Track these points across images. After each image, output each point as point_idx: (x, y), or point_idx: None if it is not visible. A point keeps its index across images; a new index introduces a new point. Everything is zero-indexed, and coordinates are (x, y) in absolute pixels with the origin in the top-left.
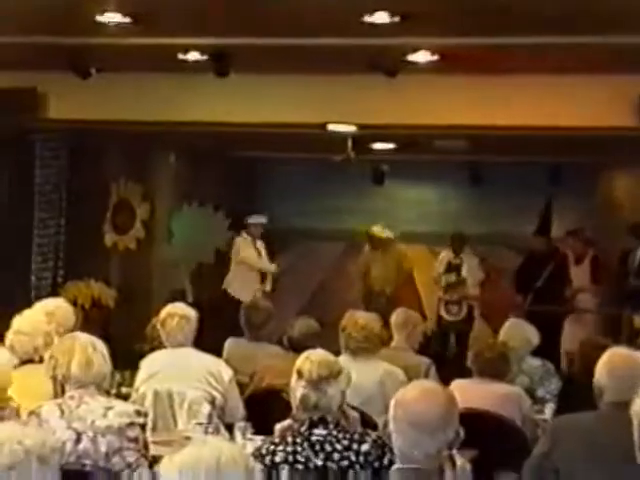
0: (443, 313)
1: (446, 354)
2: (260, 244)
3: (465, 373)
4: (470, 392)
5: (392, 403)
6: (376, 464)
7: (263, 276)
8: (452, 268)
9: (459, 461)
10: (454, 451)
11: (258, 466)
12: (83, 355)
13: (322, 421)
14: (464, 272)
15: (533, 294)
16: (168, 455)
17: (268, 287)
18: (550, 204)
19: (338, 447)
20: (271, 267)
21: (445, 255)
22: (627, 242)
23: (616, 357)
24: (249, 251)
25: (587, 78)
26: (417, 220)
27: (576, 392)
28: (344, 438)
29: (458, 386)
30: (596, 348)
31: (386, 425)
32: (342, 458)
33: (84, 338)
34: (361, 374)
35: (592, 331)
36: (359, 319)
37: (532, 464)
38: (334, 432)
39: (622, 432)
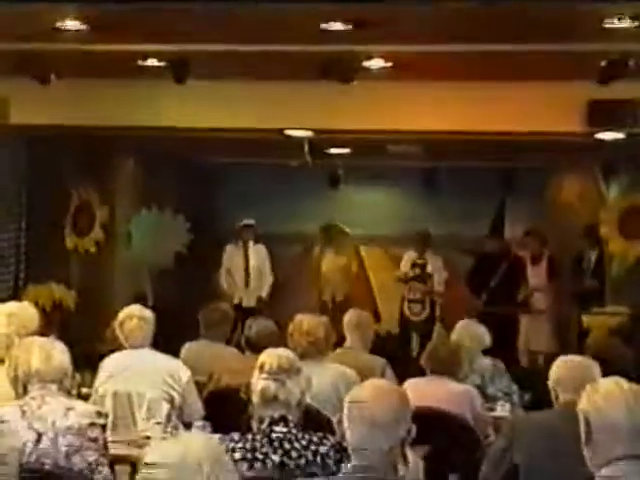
0: (406, 312)
1: (409, 354)
2: (255, 248)
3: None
4: (423, 390)
5: (346, 400)
6: (334, 468)
7: (247, 280)
8: (417, 266)
9: (411, 458)
10: (407, 448)
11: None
12: (43, 351)
13: (283, 420)
14: (429, 270)
15: (487, 295)
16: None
17: (264, 293)
18: (503, 206)
19: (297, 445)
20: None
21: (409, 256)
22: (578, 244)
23: (567, 363)
24: (232, 261)
25: (537, 85)
26: (372, 223)
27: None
28: (303, 438)
29: (412, 384)
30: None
31: (340, 422)
32: (300, 456)
33: (42, 338)
34: (313, 378)
35: (551, 331)
36: (304, 324)
37: (493, 457)
38: (294, 431)
39: (577, 427)
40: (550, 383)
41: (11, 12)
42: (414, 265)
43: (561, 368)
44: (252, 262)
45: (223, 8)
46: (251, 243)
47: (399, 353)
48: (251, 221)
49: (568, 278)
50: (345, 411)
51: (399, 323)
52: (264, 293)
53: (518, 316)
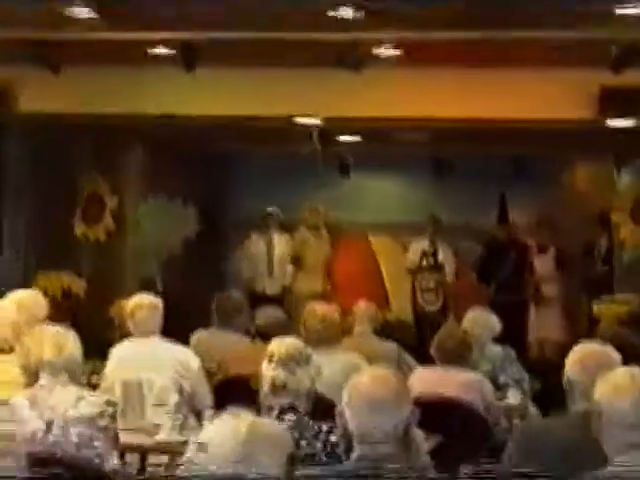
0: (420, 302)
1: (425, 345)
2: (279, 235)
3: None
4: (433, 379)
5: (346, 390)
6: (343, 457)
7: (271, 267)
8: (428, 255)
9: (418, 438)
10: (412, 431)
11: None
12: (55, 341)
13: (292, 408)
14: (440, 259)
15: (496, 283)
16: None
17: (287, 282)
18: (504, 194)
19: (306, 434)
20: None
21: (418, 244)
22: (588, 231)
23: (587, 352)
24: (256, 249)
25: (550, 72)
26: (383, 211)
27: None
28: (313, 427)
29: (421, 373)
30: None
31: (341, 415)
32: (309, 445)
33: (54, 327)
34: (324, 365)
35: (560, 319)
36: (318, 310)
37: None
38: (303, 420)
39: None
40: (565, 375)
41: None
42: (425, 254)
43: (578, 360)
44: (276, 250)
45: None
46: (275, 231)
47: (413, 343)
48: (274, 209)
49: (579, 266)
50: (345, 398)
51: (413, 313)
52: (287, 282)
53: (528, 305)
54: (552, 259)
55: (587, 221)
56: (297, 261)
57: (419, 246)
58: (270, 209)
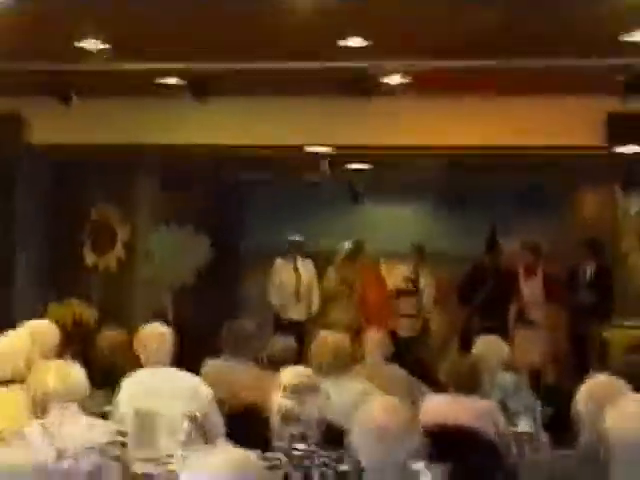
0: (397, 328)
1: None
2: (303, 262)
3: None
4: (444, 407)
5: (356, 419)
6: None
7: (298, 294)
8: (408, 280)
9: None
10: (423, 465)
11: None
12: (59, 371)
13: (302, 437)
14: (421, 285)
15: (472, 308)
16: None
17: (314, 308)
18: (494, 227)
19: (317, 463)
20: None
21: (401, 269)
22: (577, 256)
23: (596, 384)
24: (282, 276)
25: (557, 99)
26: (394, 240)
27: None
28: (323, 456)
29: (432, 401)
30: None
31: (351, 444)
32: (321, 474)
33: (58, 360)
34: (335, 393)
35: (545, 344)
36: (328, 339)
37: None
38: (314, 448)
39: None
40: (572, 407)
41: (33, 31)
42: (405, 279)
43: (586, 392)
44: (303, 277)
45: (240, 23)
46: (299, 258)
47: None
48: (297, 237)
49: (566, 292)
50: (355, 427)
51: (390, 337)
52: (314, 308)
53: (509, 330)
54: (540, 283)
55: (585, 247)
56: (331, 295)
57: (401, 271)
58: (294, 237)
